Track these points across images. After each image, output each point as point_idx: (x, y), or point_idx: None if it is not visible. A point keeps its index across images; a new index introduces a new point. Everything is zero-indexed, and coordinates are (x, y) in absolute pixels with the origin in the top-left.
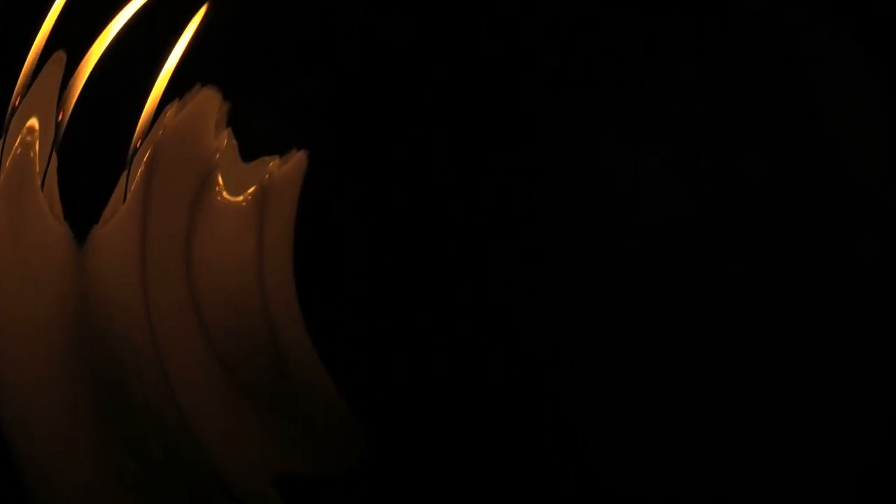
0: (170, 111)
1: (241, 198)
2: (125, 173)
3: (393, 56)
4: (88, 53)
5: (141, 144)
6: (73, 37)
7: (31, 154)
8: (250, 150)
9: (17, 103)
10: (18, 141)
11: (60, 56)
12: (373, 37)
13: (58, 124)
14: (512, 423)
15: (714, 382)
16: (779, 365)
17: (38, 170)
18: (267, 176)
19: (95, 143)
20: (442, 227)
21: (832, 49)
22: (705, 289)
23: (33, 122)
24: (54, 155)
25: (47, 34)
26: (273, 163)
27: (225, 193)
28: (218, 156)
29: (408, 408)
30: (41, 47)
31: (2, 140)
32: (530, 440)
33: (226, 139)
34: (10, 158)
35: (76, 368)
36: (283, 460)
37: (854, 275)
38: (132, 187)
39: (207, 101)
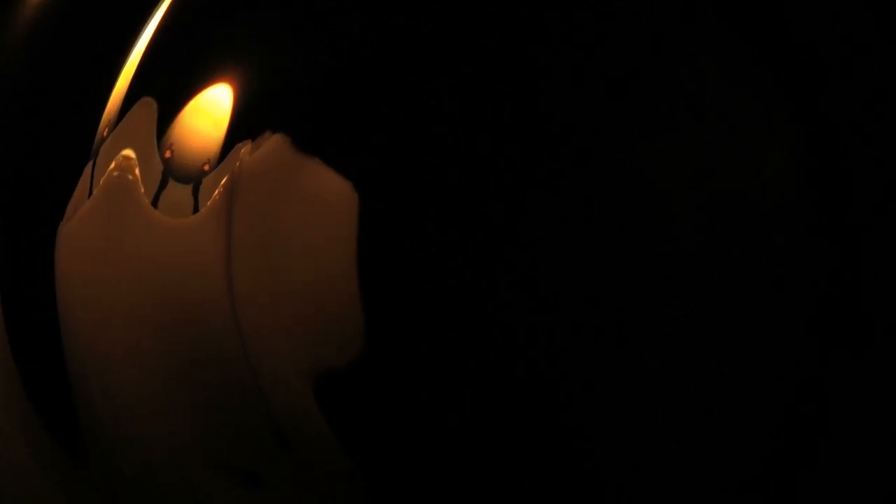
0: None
1: (215, 192)
2: (90, 165)
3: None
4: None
5: (109, 134)
6: None
7: None
8: (220, 134)
9: None
10: None
11: None
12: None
13: None
14: (518, 468)
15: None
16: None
17: None
18: (238, 164)
19: (44, 129)
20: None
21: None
22: (715, 293)
23: None
24: None
25: None
26: (244, 148)
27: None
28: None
29: (409, 454)
30: None
31: None
32: (537, 487)
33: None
34: None
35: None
36: None
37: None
38: (100, 180)
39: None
